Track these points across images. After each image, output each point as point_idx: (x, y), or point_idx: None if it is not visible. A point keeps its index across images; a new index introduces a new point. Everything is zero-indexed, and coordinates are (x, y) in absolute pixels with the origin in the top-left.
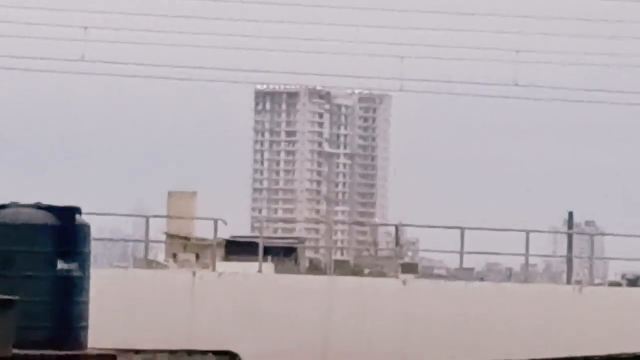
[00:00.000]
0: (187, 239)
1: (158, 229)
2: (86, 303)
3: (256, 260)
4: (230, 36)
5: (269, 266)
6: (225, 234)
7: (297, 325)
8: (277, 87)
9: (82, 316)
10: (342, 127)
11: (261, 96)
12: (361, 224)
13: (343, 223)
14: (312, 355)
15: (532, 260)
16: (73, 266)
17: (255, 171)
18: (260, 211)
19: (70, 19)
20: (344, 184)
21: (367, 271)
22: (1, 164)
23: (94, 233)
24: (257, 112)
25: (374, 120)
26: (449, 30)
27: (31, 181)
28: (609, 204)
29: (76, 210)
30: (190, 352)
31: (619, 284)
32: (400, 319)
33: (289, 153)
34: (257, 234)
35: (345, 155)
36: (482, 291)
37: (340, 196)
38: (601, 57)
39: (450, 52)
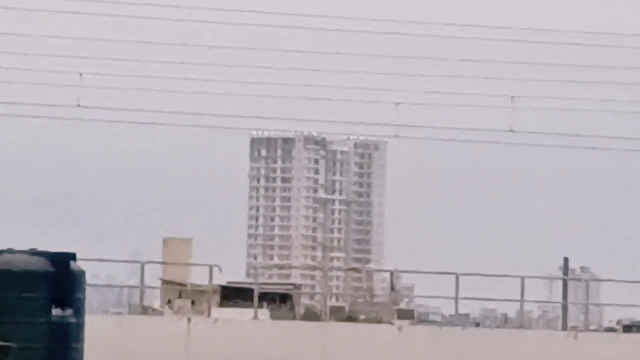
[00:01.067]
0: (182, 285)
1: (153, 275)
2: (81, 350)
3: (252, 307)
4: (226, 82)
5: (264, 312)
6: (220, 280)
7: None
8: (272, 134)
9: None
10: (338, 174)
11: (257, 143)
12: (357, 270)
13: (338, 269)
14: None
15: (527, 307)
16: (68, 313)
17: (251, 217)
18: (255, 257)
19: (66, 65)
20: (340, 230)
21: (362, 317)
22: None
23: (89, 279)
24: (253, 159)
25: (370, 166)
26: (444, 77)
27: (27, 227)
28: (605, 251)
29: (71, 257)
30: None
31: (614, 330)
32: None
33: (284, 199)
34: (252, 280)
35: (341, 201)
36: (478, 337)
37: (336, 242)
38: (597, 103)
39: (445, 98)
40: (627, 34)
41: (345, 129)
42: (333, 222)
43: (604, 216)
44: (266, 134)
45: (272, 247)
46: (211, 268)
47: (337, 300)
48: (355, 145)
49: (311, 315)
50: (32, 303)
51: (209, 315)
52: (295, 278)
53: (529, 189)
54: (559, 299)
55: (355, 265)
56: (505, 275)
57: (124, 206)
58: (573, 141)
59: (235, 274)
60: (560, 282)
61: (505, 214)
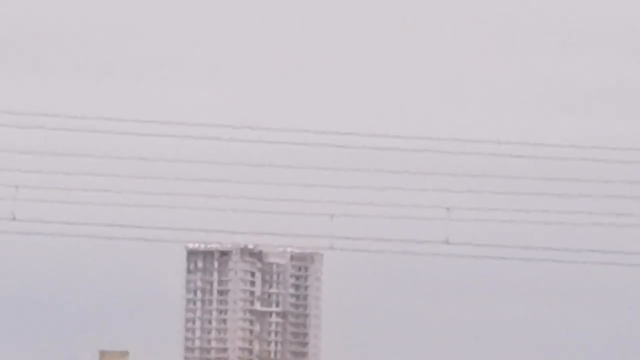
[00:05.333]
0: None
1: None
2: None
3: None
4: (160, 194)
5: None
6: None
7: None
8: (208, 246)
9: None
10: (274, 285)
11: (193, 255)
12: None
13: None
14: None
15: None
16: None
17: (187, 330)
18: None
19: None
20: (276, 342)
21: None
22: None
23: None
24: (189, 271)
25: (306, 278)
26: (378, 188)
27: None
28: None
29: None
30: None
31: None
32: None
33: (220, 312)
34: None
35: (277, 313)
36: None
37: (273, 354)
38: (533, 214)
39: (380, 210)
40: (562, 145)
41: (280, 241)
42: (269, 333)
43: (545, 325)
44: (202, 246)
45: None
46: None
47: None
48: (291, 257)
49: None
50: None
51: None
52: None
53: (467, 299)
54: None
55: None
56: None
57: (59, 318)
58: (507, 252)
59: None
60: None
61: (441, 325)
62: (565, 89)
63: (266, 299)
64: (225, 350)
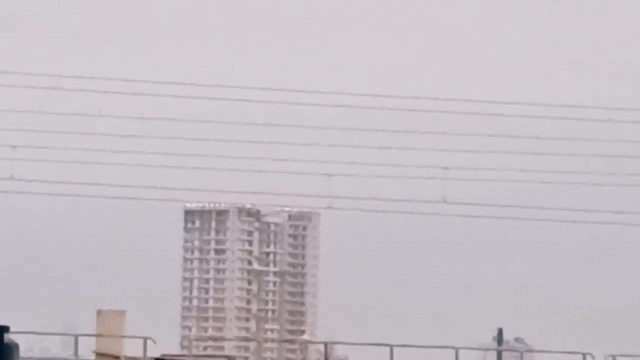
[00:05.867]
0: (116, 357)
1: (87, 347)
2: None
3: None
4: (158, 154)
5: None
6: (154, 352)
7: None
8: (206, 206)
9: None
10: (272, 245)
11: (190, 214)
12: (290, 342)
13: (272, 340)
14: None
15: None
16: None
17: (184, 289)
18: (189, 329)
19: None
20: (274, 301)
21: None
22: None
23: (23, 352)
24: (186, 231)
25: (303, 237)
26: (375, 148)
27: None
28: (538, 321)
29: (4, 329)
30: None
31: None
32: None
33: (218, 271)
34: (186, 352)
35: (275, 272)
36: None
37: (270, 314)
38: (528, 173)
39: (377, 169)
40: (557, 105)
41: (278, 200)
42: (267, 293)
43: (537, 286)
44: (199, 206)
45: (206, 319)
46: (145, 340)
47: None
48: (289, 217)
49: None
50: None
51: None
52: (229, 349)
53: (463, 259)
54: None
55: (289, 337)
56: (439, 346)
57: (56, 278)
58: (506, 211)
59: (169, 346)
60: (494, 353)
61: (439, 284)
62: (561, 48)
63: (264, 259)
64: (222, 309)
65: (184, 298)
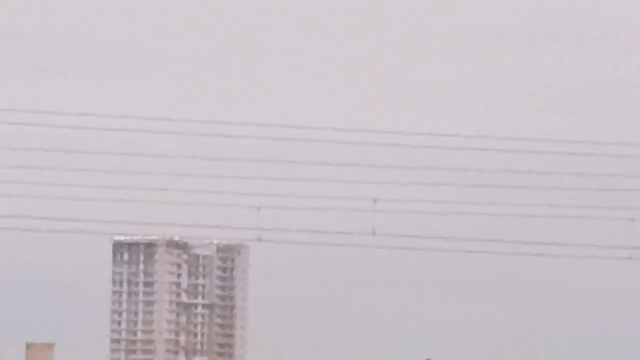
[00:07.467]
0: None
1: None
2: None
3: None
4: (86, 187)
5: None
6: None
7: None
8: (134, 238)
9: None
10: (200, 277)
11: (119, 247)
12: None
13: None
14: None
15: None
16: None
17: (114, 321)
18: None
19: None
20: (202, 334)
21: None
22: None
23: None
24: (115, 263)
25: (232, 270)
26: (305, 180)
27: None
28: (466, 354)
29: None
30: None
31: None
32: None
33: (147, 303)
34: None
35: (204, 305)
36: None
37: (199, 346)
38: (459, 205)
39: (307, 201)
40: (484, 136)
41: (207, 232)
42: (195, 325)
43: (465, 319)
44: (128, 239)
45: (134, 351)
46: None
47: None
48: (218, 249)
49: None
50: None
51: None
52: None
53: (393, 291)
54: None
55: None
56: None
57: None
58: (435, 244)
59: None
60: None
61: (368, 317)
62: (493, 84)
63: (192, 291)
64: (151, 342)
65: (113, 330)
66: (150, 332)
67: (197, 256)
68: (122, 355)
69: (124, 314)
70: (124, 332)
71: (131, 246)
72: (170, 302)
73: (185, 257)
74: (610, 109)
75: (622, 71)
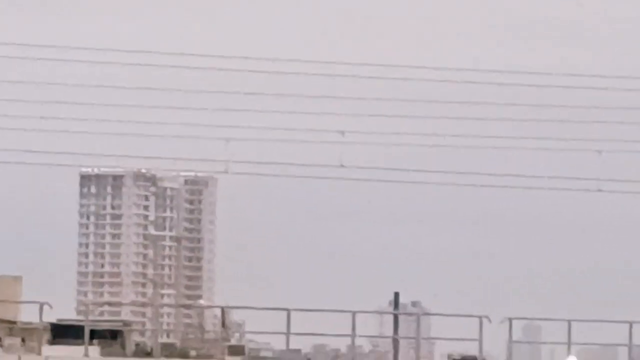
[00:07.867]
0: (12, 322)
1: None
2: None
3: (82, 344)
4: (54, 119)
5: (94, 349)
6: (51, 317)
7: None
8: (102, 170)
9: None
10: (168, 210)
11: (86, 179)
12: (187, 307)
13: (169, 306)
14: None
15: (358, 341)
16: None
17: (81, 254)
18: (85, 294)
19: None
20: (170, 266)
21: (193, 353)
22: None
23: None
24: (82, 196)
25: (200, 202)
26: (273, 112)
27: None
28: (435, 285)
29: None
30: None
31: None
32: None
33: (114, 236)
34: (82, 317)
35: (171, 237)
36: None
37: (166, 279)
38: (426, 137)
39: (275, 133)
40: (457, 68)
41: (174, 165)
42: (163, 258)
43: (435, 250)
44: (95, 171)
45: (102, 284)
46: (41, 305)
47: (168, 336)
48: (185, 182)
49: (142, 352)
50: None
51: (39, 352)
52: (126, 315)
53: (360, 223)
54: (390, 333)
55: (186, 302)
56: (336, 310)
57: None
58: (402, 176)
59: (66, 311)
60: (391, 317)
61: (336, 248)
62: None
63: (160, 224)
64: (118, 274)
65: (80, 263)
66: (118, 264)
67: (165, 189)
68: (90, 288)
69: (91, 247)
70: (91, 265)
71: (99, 178)
72: (138, 234)
73: (153, 189)
74: (579, 42)
75: (588, 8)
